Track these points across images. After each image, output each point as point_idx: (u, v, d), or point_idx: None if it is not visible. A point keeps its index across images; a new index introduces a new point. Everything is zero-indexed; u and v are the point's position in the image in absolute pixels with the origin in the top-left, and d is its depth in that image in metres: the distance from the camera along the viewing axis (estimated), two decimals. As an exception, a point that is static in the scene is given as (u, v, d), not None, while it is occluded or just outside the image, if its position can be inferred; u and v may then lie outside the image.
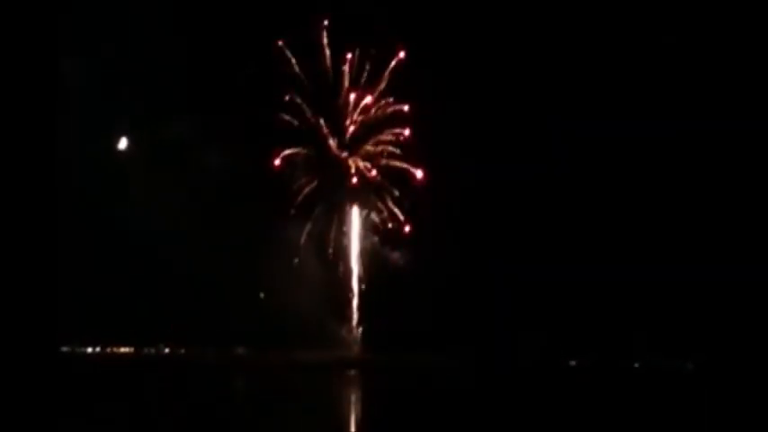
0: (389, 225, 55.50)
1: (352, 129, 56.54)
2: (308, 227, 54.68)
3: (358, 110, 56.20)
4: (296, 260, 53.97)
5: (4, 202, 14.56)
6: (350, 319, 55.96)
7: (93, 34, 45.84)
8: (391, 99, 55.22)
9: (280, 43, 53.73)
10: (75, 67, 40.92)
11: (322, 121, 55.91)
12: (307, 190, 55.24)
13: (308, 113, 55.49)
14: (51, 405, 14.39)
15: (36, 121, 14.81)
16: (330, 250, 55.86)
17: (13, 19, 14.26)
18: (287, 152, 55.09)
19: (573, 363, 53.55)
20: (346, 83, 55.72)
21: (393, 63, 54.37)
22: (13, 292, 14.04)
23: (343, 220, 56.75)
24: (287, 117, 54.99)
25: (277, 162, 54.70)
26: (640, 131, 49.38)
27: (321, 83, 55.39)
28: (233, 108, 51.46)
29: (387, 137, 56.02)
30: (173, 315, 50.77)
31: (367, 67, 54.84)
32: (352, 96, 55.96)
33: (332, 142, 56.63)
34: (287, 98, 54.61)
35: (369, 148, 56.42)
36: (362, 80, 55.43)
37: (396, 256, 54.94)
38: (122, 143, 54.05)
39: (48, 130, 15.11)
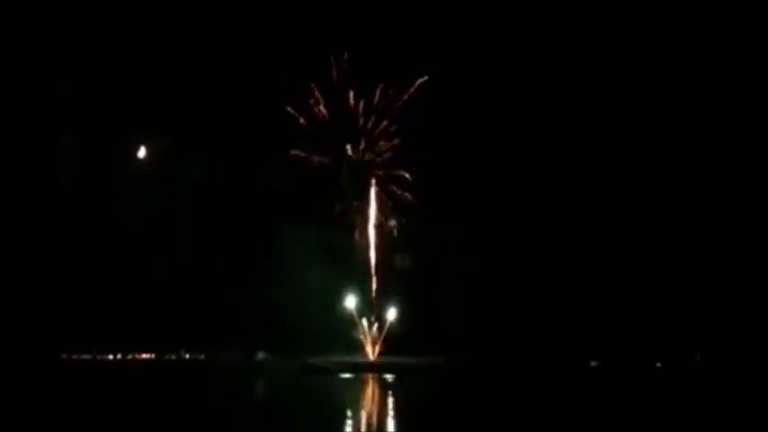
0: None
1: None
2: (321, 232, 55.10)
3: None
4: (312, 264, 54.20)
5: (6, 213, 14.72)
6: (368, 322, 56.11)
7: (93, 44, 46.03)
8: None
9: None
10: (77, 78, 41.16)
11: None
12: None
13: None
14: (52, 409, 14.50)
15: (35, 130, 14.95)
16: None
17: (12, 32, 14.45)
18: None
19: (594, 363, 53.05)
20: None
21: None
22: (13, 302, 14.18)
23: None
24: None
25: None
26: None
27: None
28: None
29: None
30: (189, 322, 51.22)
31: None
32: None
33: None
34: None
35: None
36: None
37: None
38: (141, 152, 54.70)
39: (48, 140, 15.25)
